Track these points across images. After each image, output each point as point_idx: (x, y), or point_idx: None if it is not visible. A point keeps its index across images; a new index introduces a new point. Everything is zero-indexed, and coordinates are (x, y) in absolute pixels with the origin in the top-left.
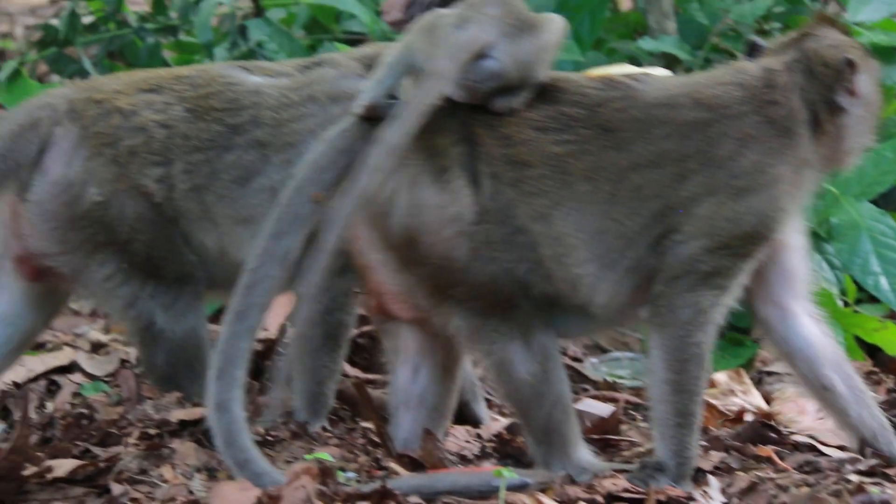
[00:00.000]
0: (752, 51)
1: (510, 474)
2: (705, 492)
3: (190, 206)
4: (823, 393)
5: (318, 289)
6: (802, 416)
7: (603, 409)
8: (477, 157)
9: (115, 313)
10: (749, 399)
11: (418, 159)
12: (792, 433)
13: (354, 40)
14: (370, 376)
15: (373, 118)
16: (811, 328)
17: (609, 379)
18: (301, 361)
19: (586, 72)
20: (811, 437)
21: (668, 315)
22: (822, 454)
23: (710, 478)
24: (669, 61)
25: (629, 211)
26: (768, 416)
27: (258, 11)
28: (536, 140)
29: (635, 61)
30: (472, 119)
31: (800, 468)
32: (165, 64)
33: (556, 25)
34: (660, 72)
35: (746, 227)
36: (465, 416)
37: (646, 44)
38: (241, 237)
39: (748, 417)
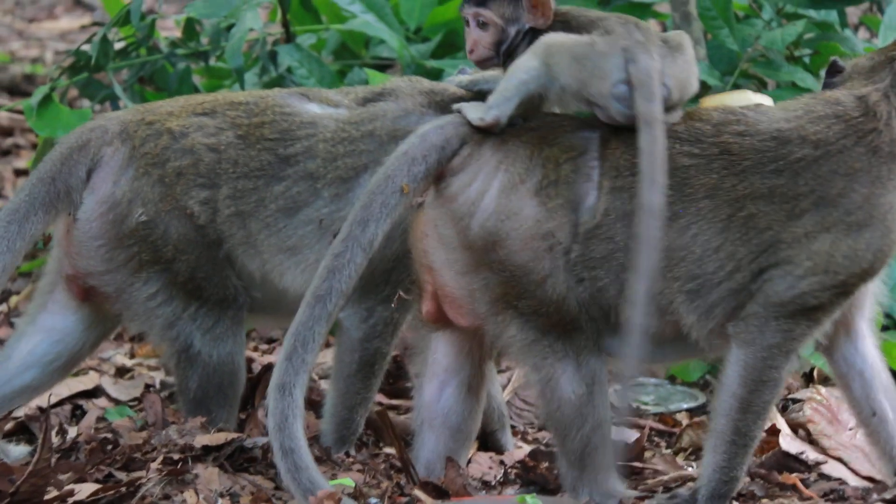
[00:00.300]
0: (833, 71)
1: (534, 501)
2: None
3: (233, 230)
4: (871, 418)
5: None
6: (834, 426)
7: (627, 436)
8: (602, 171)
9: (154, 334)
10: (776, 424)
11: (522, 166)
12: (819, 462)
13: (384, 66)
14: (394, 401)
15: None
16: (873, 351)
17: (634, 405)
18: (334, 386)
19: (701, 100)
20: (840, 460)
21: (757, 334)
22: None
23: None
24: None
25: (742, 237)
26: (799, 433)
27: (288, 37)
28: (669, 149)
29: None
30: (606, 134)
31: (825, 496)
32: (196, 89)
33: (688, 40)
34: (766, 101)
35: (864, 263)
36: (490, 445)
37: None
38: (283, 266)
39: (782, 439)
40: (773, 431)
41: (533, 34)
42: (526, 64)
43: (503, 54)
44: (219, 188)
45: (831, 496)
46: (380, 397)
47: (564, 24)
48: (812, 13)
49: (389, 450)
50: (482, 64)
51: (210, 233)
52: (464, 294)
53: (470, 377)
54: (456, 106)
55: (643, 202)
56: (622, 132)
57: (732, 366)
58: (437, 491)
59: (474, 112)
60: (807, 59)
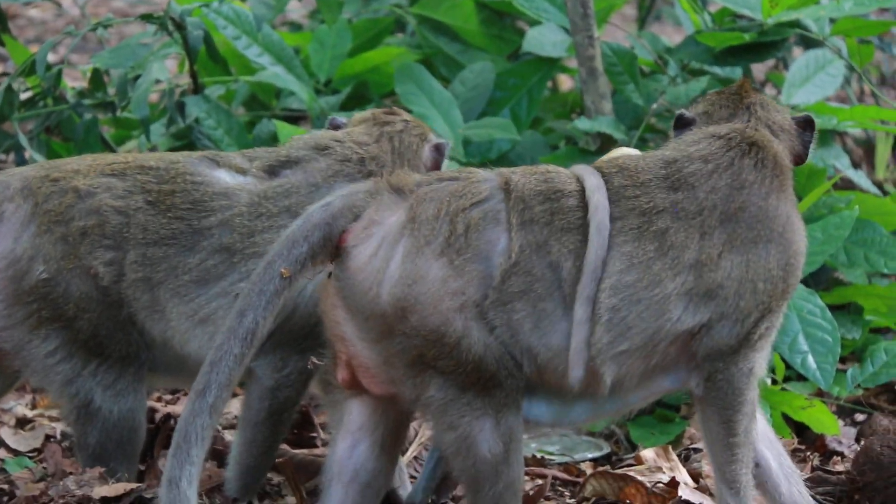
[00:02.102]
0: (681, 125)
1: None
2: None
3: (138, 295)
4: (756, 470)
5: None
6: None
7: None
8: (509, 209)
9: (54, 390)
10: (676, 476)
11: (427, 227)
12: None
13: (294, 118)
14: (297, 451)
15: None
16: None
17: (538, 455)
18: (241, 434)
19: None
20: None
21: (730, 391)
22: None
23: None
24: (605, 141)
25: (657, 250)
26: (700, 483)
27: (196, 88)
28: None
29: (571, 141)
30: (505, 173)
31: None
32: (102, 140)
33: None
34: (629, 150)
35: (780, 283)
36: (389, 500)
37: (582, 124)
38: (190, 333)
39: (681, 490)
40: (673, 483)
41: None
42: None
43: None
44: (125, 252)
45: None
46: (284, 447)
47: None
48: (717, 69)
49: (291, 500)
50: None
51: (113, 294)
52: (378, 362)
53: (384, 436)
54: None
55: (592, 222)
56: (517, 169)
57: (712, 417)
58: None
59: None
60: None
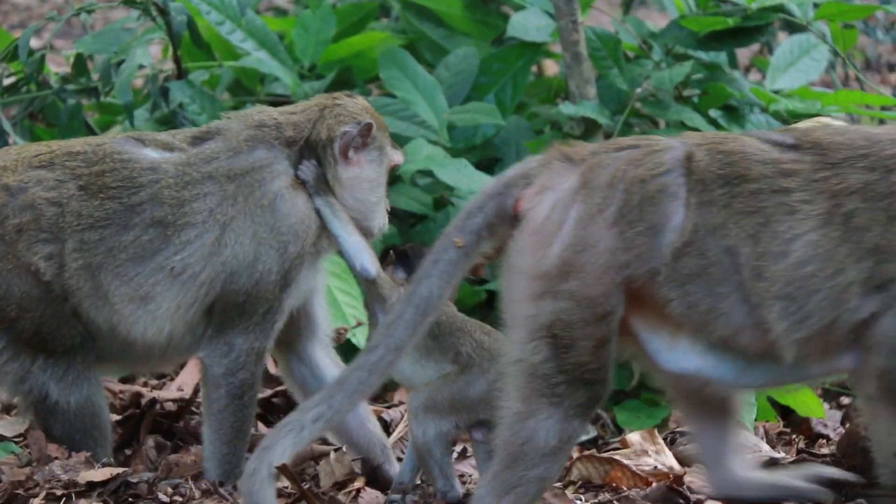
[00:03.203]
0: None
1: None
2: None
3: (81, 283)
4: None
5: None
6: None
7: None
8: (689, 187)
9: (7, 389)
10: (662, 459)
11: (600, 194)
12: (703, 497)
13: (279, 102)
14: None
15: None
16: None
17: None
18: (207, 424)
19: None
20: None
21: (890, 385)
22: None
23: None
24: (589, 126)
25: (842, 235)
26: (679, 479)
27: (180, 73)
28: (756, 145)
29: (556, 125)
30: (690, 147)
31: None
32: (87, 125)
33: None
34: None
35: None
36: (377, 478)
37: (566, 108)
38: (135, 315)
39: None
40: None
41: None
42: None
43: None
44: (63, 242)
45: None
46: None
47: None
48: (701, 54)
49: (284, 483)
50: None
51: (56, 288)
52: (510, 321)
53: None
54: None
55: None
56: (703, 145)
57: (882, 417)
58: None
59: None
60: (695, 100)
